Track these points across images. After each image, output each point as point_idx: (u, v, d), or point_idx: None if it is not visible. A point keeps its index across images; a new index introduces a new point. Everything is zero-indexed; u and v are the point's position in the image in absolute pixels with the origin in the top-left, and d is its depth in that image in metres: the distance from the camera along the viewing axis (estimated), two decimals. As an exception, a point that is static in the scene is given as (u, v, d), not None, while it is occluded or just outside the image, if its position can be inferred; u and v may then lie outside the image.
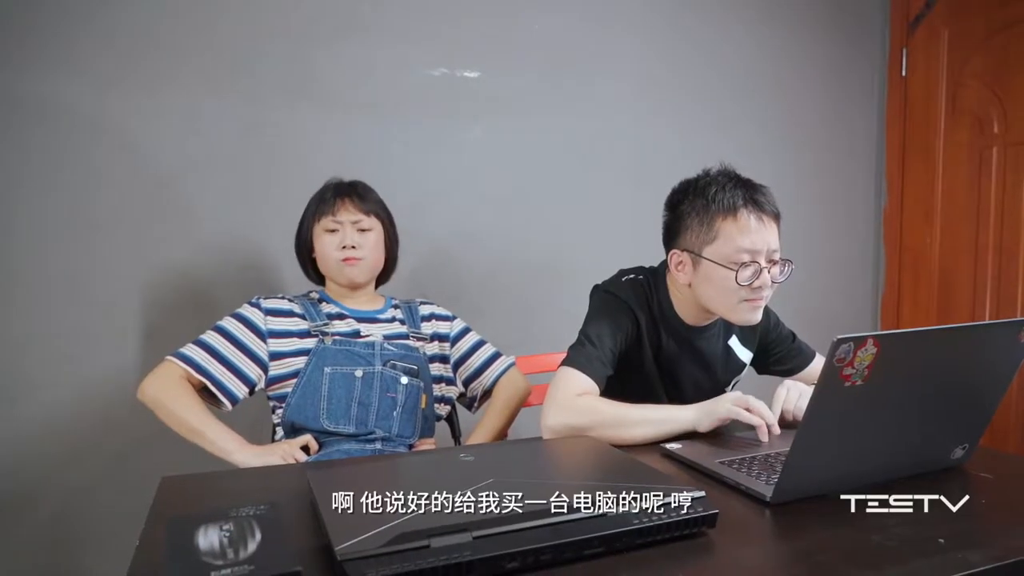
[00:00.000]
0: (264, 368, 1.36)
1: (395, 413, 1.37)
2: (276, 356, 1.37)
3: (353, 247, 1.41)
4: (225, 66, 1.76)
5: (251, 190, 1.80)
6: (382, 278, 1.53)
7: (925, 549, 0.74)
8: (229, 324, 1.37)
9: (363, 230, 1.43)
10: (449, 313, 1.57)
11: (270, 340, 1.37)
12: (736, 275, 1.17)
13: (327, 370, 1.34)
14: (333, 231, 1.42)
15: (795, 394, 1.15)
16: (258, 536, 0.60)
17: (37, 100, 1.62)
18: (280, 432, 1.39)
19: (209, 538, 0.60)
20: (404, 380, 1.38)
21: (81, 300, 1.68)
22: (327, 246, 1.42)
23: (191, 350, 1.33)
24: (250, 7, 1.77)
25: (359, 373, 1.35)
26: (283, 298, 1.44)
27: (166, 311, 1.74)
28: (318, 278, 1.50)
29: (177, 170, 1.74)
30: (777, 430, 1.08)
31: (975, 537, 0.78)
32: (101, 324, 1.70)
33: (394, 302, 1.54)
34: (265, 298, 1.42)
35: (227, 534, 0.60)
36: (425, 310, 1.54)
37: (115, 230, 1.70)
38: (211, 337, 1.35)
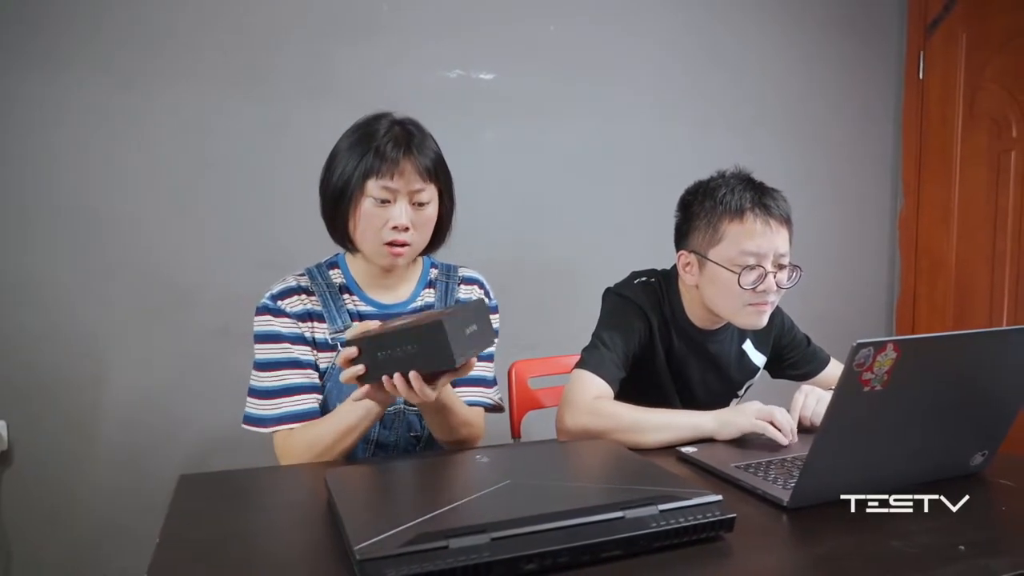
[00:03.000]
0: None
1: (418, 448, 1.21)
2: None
3: (406, 228, 1.11)
4: (242, 66, 1.77)
5: (269, 189, 1.81)
6: (426, 249, 1.21)
7: (946, 556, 0.73)
8: (272, 354, 1.12)
9: (420, 204, 1.12)
10: (493, 301, 1.29)
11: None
12: (739, 278, 1.16)
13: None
14: (384, 202, 1.10)
15: (813, 399, 1.15)
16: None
17: (54, 97, 1.63)
18: None
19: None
20: None
21: (98, 298, 1.70)
22: (372, 221, 1.10)
23: (267, 407, 1.11)
24: (269, 6, 1.79)
25: None
26: (300, 290, 1.16)
27: (185, 309, 1.76)
28: (347, 241, 1.17)
29: (194, 168, 1.75)
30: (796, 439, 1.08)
31: (997, 545, 0.78)
32: (119, 323, 1.71)
33: (431, 275, 1.26)
34: (278, 296, 1.15)
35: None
36: (464, 295, 1.26)
37: (133, 229, 1.71)
38: (262, 380, 1.12)
